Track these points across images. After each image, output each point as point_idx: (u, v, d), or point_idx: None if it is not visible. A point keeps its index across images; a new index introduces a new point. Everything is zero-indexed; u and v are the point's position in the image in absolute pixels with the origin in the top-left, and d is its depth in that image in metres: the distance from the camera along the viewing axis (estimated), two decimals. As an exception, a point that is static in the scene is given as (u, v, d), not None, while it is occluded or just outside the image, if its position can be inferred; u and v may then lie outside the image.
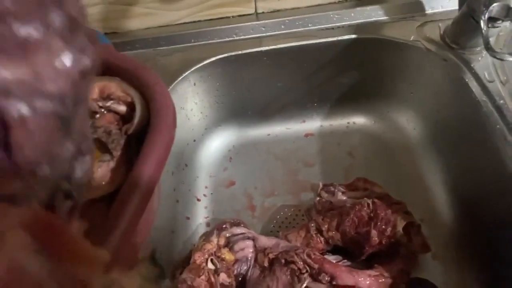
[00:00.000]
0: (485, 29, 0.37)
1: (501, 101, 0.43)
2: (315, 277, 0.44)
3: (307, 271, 0.45)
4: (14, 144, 0.14)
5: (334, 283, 0.44)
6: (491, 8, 0.38)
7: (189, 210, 0.56)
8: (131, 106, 0.34)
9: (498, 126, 0.41)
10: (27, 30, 0.14)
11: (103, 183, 0.30)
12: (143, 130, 0.33)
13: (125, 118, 0.34)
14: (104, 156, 0.30)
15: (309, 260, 0.45)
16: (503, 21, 0.39)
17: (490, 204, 0.44)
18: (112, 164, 0.31)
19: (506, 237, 0.42)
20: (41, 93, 0.15)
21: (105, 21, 0.56)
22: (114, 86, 0.34)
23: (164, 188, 0.51)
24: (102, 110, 0.33)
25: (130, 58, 0.35)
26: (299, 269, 0.45)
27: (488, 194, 0.45)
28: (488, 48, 0.36)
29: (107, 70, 0.35)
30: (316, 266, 0.44)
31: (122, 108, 0.34)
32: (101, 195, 0.30)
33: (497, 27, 0.41)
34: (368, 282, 0.43)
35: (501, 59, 0.37)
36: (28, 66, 0.14)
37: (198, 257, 0.46)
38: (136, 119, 0.33)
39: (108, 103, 0.33)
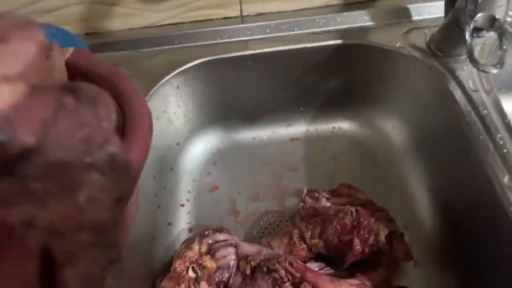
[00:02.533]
0: (469, 40, 0.37)
1: (485, 111, 0.43)
2: (296, 286, 0.44)
3: (288, 279, 0.44)
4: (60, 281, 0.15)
5: None
6: (476, 18, 0.38)
7: (171, 215, 0.55)
8: (107, 115, 0.33)
9: (481, 136, 0.41)
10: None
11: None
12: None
13: (100, 127, 0.33)
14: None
15: (290, 269, 0.44)
16: (487, 31, 0.39)
17: (472, 213, 0.44)
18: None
19: (487, 245, 0.42)
20: (84, 226, 0.16)
21: (86, 21, 0.54)
22: (89, 93, 0.33)
23: (145, 194, 0.50)
24: (76, 118, 0.32)
25: (106, 65, 0.34)
26: (281, 277, 0.44)
27: (469, 202, 0.45)
28: (472, 59, 0.36)
29: (83, 76, 0.34)
30: (298, 275, 0.44)
31: (97, 117, 0.33)
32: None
33: (482, 37, 0.40)
34: (350, 292, 0.43)
35: (484, 71, 0.36)
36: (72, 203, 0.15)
37: (178, 265, 0.46)
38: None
39: (83, 111, 0.32)
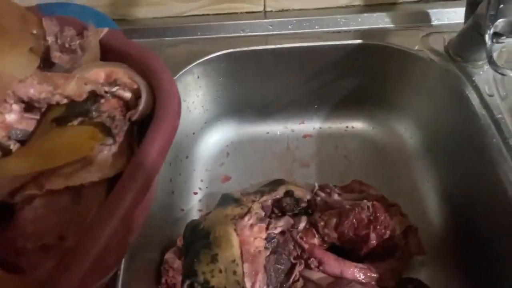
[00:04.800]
0: (489, 43, 0.38)
1: (499, 116, 0.44)
2: (304, 260, 0.45)
3: (297, 254, 0.46)
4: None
5: (321, 268, 0.45)
6: (496, 23, 0.39)
7: (184, 202, 0.56)
8: (136, 93, 0.34)
9: (494, 140, 0.42)
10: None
11: (104, 166, 0.30)
12: (146, 118, 0.33)
13: (129, 105, 0.34)
14: (107, 140, 0.30)
15: (300, 240, 0.46)
16: (507, 37, 0.40)
17: (481, 215, 0.45)
18: (114, 149, 0.31)
19: (495, 248, 0.43)
20: None
21: (114, 7, 0.56)
22: (120, 72, 0.34)
23: (161, 178, 0.51)
24: (108, 95, 0.33)
25: (138, 45, 0.35)
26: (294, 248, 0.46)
27: (480, 205, 0.45)
28: (491, 62, 0.37)
29: (115, 55, 0.36)
30: (306, 247, 0.46)
31: (128, 95, 0.34)
32: (101, 178, 0.30)
33: (502, 42, 0.41)
34: (354, 273, 0.44)
35: (502, 74, 0.37)
36: None
37: (179, 241, 0.47)
38: (141, 106, 0.33)
39: (114, 89, 0.34)
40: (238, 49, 0.54)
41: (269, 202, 0.51)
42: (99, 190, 0.30)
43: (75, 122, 0.31)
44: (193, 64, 0.54)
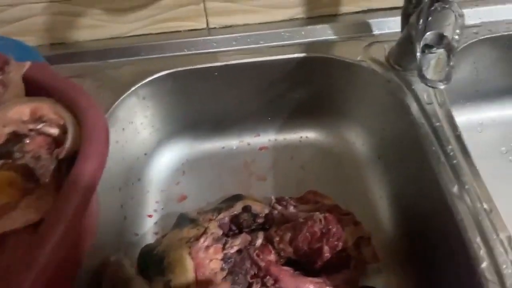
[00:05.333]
0: (419, 56, 0.39)
1: (438, 123, 0.45)
2: (261, 279, 0.45)
3: (254, 273, 0.46)
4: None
5: (277, 285, 0.45)
6: (426, 36, 0.40)
7: (137, 226, 0.55)
8: (64, 129, 0.33)
9: (433, 148, 0.43)
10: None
11: (28, 211, 0.29)
12: (75, 155, 0.32)
13: (58, 141, 0.33)
14: (28, 184, 0.29)
15: (256, 258, 0.46)
16: (437, 48, 0.41)
17: (427, 220, 0.46)
18: (39, 191, 0.30)
19: (440, 250, 0.44)
20: None
21: (51, 31, 0.54)
22: (46, 108, 0.33)
23: (110, 205, 0.50)
24: (33, 133, 0.32)
25: (64, 78, 0.34)
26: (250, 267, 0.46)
27: (425, 210, 0.47)
28: (420, 75, 0.38)
29: (41, 90, 0.34)
30: (263, 265, 0.46)
31: (54, 131, 0.33)
32: (26, 224, 0.29)
33: (433, 53, 0.43)
34: (309, 288, 0.44)
35: (432, 87, 0.38)
36: None
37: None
38: (68, 144, 0.32)
39: (40, 126, 0.32)
40: (183, 68, 0.53)
41: (227, 220, 0.50)
42: (25, 236, 0.29)
43: (-6, 167, 0.29)
44: (137, 85, 0.52)
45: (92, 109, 0.32)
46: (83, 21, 0.53)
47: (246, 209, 0.52)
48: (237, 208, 0.52)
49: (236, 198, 0.54)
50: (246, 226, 0.51)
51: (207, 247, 0.47)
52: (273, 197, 0.56)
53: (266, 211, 0.52)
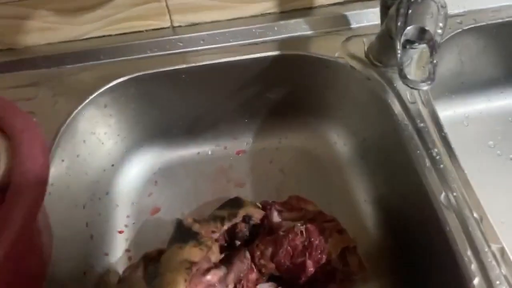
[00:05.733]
0: (399, 54, 0.35)
1: (422, 124, 0.42)
2: None
3: None
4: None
5: None
6: (406, 30, 0.37)
7: (107, 244, 0.51)
8: (-3, 156, 0.29)
9: (418, 151, 0.40)
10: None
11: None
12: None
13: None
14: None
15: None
16: (419, 43, 0.38)
17: (416, 230, 0.43)
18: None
19: (424, 255, 0.41)
20: None
21: (-2, 36, 0.49)
22: (-26, 132, 0.29)
23: (73, 225, 0.46)
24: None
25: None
26: None
27: (409, 214, 0.44)
28: (401, 75, 0.34)
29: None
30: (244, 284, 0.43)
31: (-16, 159, 0.28)
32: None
33: (415, 48, 0.39)
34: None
35: (415, 88, 0.35)
36: None
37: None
38: (1, 171, 0.28)
39: (-33, 154, 0.28)
40: (147, 72, 0.49)
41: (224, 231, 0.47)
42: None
43: None
44: (98, 92, 0.48)
45: (25, 135, 0.27)
46: (31, 24, 0.48)
47: (245, 220, 0.48)
48: (239, 217, 0.48)
49: (237, 204, 0.49)
50: (240, 239, 0.48)
51: (205, 273, 0.43)
52: (258, 204, 0.52)
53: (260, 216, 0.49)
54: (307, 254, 0.44)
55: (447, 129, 0.41)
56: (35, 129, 0.29)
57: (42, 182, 0.26)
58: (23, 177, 0.26)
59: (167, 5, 0.49)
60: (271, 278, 0.47)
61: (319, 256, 0.44)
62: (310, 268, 0.44)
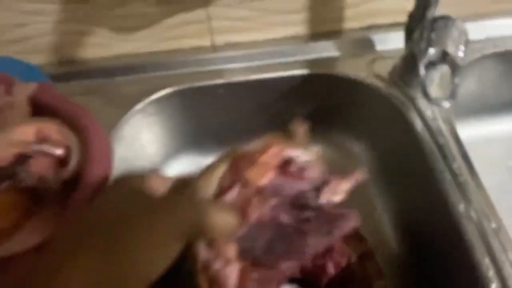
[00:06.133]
0: (422, 73, 0.39)
1: (442, 140, 0.44)
2: None
3: None
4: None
5: None
6: (429, 52, 0.40)
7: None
8: (68, 150, 0.33)
9: (439, 165, 0.43)
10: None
11: (33, 233, 0.29)
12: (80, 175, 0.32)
13: (62, 162, 0.34)
14: (32, 205, 0.29)
15: None
16: (441, 65, 0.41)
17: (432, 237, 0.45)
18: (44, 213, 0.30)
19: (446, 268, 0.43)
20: None
21: (59, 50, 0.55)
22: (51, 129, 0.34)
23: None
24: (37, 154, 0.32)
25: (67, 99, 0.35)
26: None
27: (430, 227, 0.46)
28: (424, 93, 0.38)
29: (46, 111, 0.35)
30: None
31: (59, 152, 0.33)
32: (31, 245, 0.29)
33: (437, 70, 0.42)
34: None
35: (437, 105, 0.38)
36: None
37: None
38: (72, 164, 0.32)
39: (44, 147, 0.33)
40: (188, 86, 0.54)
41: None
42: (29, 257, 0.29)
43: (1, 188, 0.30)
44: (144, 102, 0.53)
45: (95, 131, 0.32)
46: (90, 39, 0.54)
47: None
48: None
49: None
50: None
51: None
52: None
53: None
54: (328, 257, 0.46)
55: (467, 149, 0.44)
56: (101, 129, 0.34)
57: (108, 174, 0.31)
58: (93, 169, 0.31)
59: (210, 27, 0.54)
60: (292, 280, 0.50)
61: (340, 259, 0.46)
62: (331, 270, 0.46)
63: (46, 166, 0.32)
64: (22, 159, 0.32)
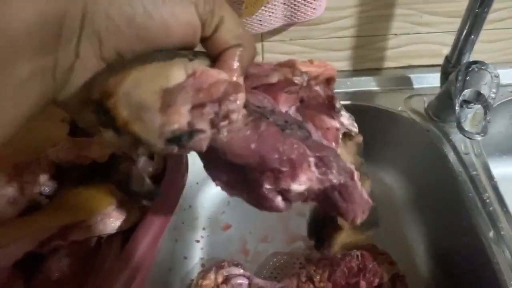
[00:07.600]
0: (458, 110, 0.43)
1: (474, 172, 0.48)
2: None
3: None
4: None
5: None
6: (464, 92, 0.45)
7: (187, 250, 0.59)
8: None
9: (470, 194, 0.47)
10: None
11: (120, 220, 0.35)
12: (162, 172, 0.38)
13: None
14: (123, 197, 0.35)
15: None
16: (475, 104, 0.46)
17: (463, 263, 0.48)
18: (129, 204, 0.35)
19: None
20: None
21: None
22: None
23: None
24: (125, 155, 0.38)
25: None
26: None
27: (461, 254, 0.49)
28: (459, 127, 0.42)
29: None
30: None
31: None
32: (117, 230, 0.34)
33: (471, 108, 0.47)
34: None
35: (470, 138, 0.42)
36: None
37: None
38: (154, 164, 0.38)
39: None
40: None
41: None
42: (116, 241, 0.34)
43: (96, 181, 0.36)
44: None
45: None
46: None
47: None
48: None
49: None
50: None
51: None
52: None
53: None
54: (361, 275, 0.50)
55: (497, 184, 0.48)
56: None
57: (183, 177, 0.36)
58: (171, 176, 0.36)
59: (262, 46, 0.60)
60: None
61: (372, 278, 0.49)
62: None
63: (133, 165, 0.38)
64: (115, 157, 0.38)
